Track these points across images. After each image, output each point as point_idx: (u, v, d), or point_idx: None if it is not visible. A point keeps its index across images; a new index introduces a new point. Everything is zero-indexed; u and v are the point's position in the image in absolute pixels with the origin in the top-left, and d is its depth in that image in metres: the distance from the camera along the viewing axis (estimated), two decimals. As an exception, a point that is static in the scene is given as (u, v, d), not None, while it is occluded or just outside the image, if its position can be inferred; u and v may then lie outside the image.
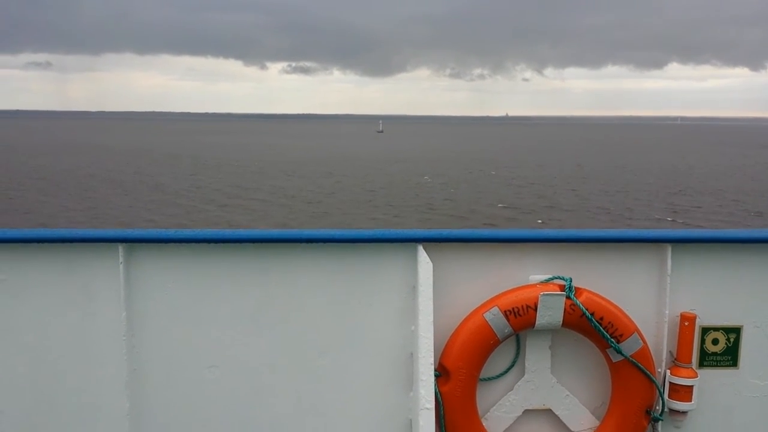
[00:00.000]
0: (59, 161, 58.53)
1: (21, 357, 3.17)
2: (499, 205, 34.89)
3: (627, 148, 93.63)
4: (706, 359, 3.41)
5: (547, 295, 3.12)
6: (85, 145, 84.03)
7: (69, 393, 3.20)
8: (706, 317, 3.37)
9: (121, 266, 3.11)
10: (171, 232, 3.16)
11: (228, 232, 3.19)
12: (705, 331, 3.39)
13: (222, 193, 39.05)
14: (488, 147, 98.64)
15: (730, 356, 3.42)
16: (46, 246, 3.12)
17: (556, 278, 3.25)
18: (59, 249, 3.13)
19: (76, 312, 3.15)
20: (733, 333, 3.40)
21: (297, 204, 34.67)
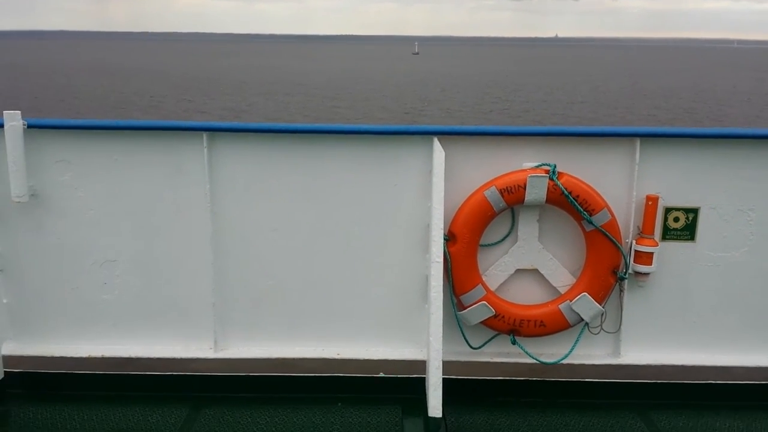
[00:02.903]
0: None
1: (131, 219, 4.11)
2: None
3: (662, 72, 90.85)
4: (668, 233, 4.08)
5: (533, 176, 3.87)
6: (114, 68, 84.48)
7: (167, 246, 4.14)
8: (669, 199, 4.03)
9: (205, 150, 3.99)
10: (243, 124, 4.05)
11: (286, 124, 4.04)
12: (668, 210, 4.04)
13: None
14: (515, 69, 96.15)
15: (688, 232, 4.08)
16: (148, 132, 4.01)
17: (544, 165, 3.97)
18: (158, 135, 4.01)
19: (172, 185, 4.05)
20: (692, 213, 4.06)
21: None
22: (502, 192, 3.91)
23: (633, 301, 4.19)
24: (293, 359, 4.27)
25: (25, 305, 4.25)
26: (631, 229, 4.09)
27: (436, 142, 3.93)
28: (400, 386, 4.26)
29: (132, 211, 4.11)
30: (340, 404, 4.16)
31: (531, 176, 3.89)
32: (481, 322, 4.10)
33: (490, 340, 4.24)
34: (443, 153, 3.88)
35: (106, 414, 4.06)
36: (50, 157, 4.03)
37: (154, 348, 4.27)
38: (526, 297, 4.23)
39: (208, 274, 4.15)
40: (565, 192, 3.88)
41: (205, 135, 3.98)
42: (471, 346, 4.22)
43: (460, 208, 4.01)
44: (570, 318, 4.09)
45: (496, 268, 4.20)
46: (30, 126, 3.92)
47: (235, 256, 4.17)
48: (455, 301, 4.11)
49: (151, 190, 4.08)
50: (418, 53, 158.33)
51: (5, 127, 3.85)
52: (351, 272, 4.20)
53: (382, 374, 4.30)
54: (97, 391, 4.27)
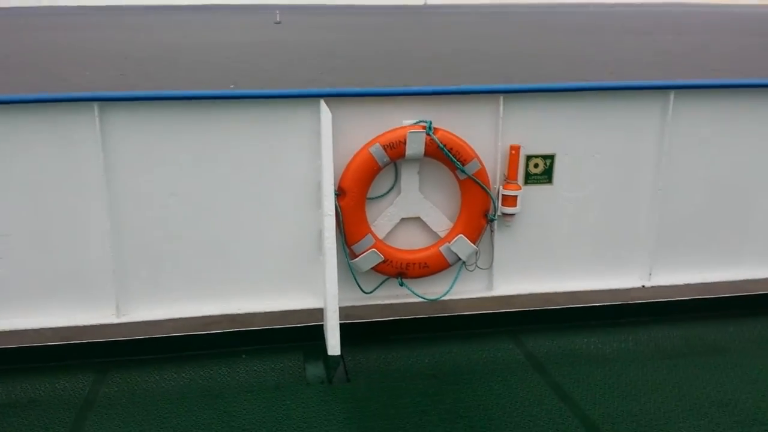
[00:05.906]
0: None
1: (23, 192, 4.08)
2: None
3: (523, 36, 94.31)
4: (530, 178, 4.64)
5: (412, 132, 4.28)
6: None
7: (62, 218, 4.16)
8: (529, 148, 4.57)
9: (97, 119, 4.03)
10: (135, 93, 4.12)
11: (177, 92, 4.15)
12: (528, 158, 4.59)
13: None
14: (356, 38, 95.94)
15: (546, 176, 4.66)
16: (37, 105, 3.98)
17: (421, 122, 4.37)
18: (48, 107, 3.99)
19: (64, 156, 4.07)
20: (549, 159, 4.64)
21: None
22: (385, 148, 4.28)
23: (502, 240, 4.75)
24: (196, 318, 4.46)
25: None
26: (498, 175, 4.61)
27: (323, 104, 4.21)
28: (301, 334, 4.58)
29: (23, 185, 4.09)
30: (244, 356, 4.42)
31: (410, 132, 4.29)
32: (372, 268, 4.50)
33: (380, 284, 4.65)
34: (330, 114, 4.16)
35: (11, 386, 4.06)
36: None
37: (56, 319, 4.31)
38: (410, 242, 4.66)
39: (106, 242, 4.23)
40: (441, 145, 4.32)
41: (96, 105, 4.03)
42: (364, 291, 4.61)
43: (348, 165, 4.34)
44: (449, 258, 4.58)
45: (383, 218, 4.59)
46: None
47: (133, 222, 4.26)
48: (347, 251, 4.47)
49: (43, 162, 4.07)
50: (280, 22, 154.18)
51: None
52: (248, 231, 4.43)
53: (282, 325, 4.59)
54: (0, 365, 4.25)
